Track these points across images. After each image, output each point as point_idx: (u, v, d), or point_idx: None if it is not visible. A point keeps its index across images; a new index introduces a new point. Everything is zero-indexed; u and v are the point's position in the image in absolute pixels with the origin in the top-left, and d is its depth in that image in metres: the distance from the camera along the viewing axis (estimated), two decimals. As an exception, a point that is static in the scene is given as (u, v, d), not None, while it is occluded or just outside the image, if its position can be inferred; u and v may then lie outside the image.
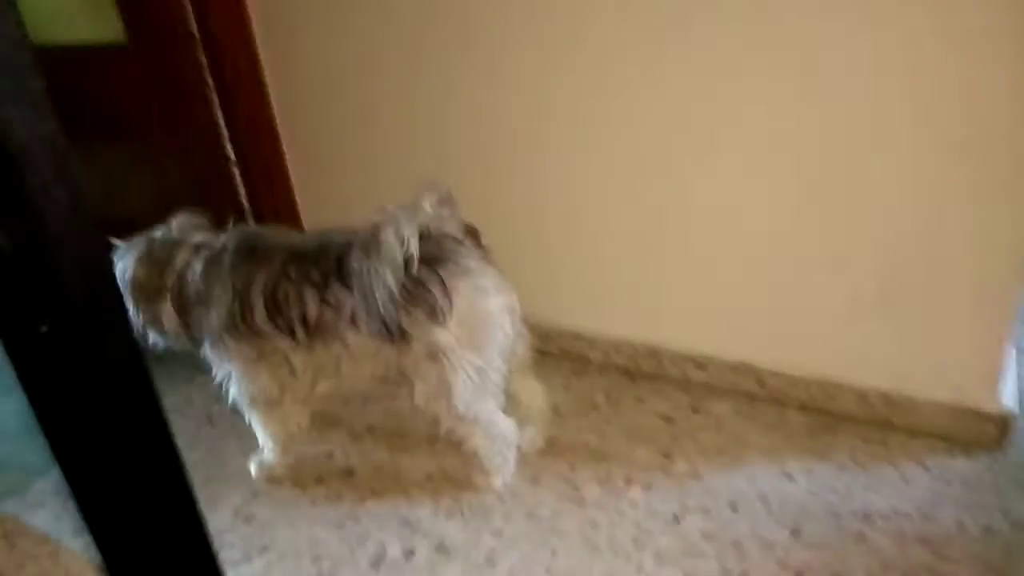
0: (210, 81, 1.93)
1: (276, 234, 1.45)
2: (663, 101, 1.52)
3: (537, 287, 1.57)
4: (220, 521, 1.51)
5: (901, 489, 1.41)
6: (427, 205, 1.31)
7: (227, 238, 1.44)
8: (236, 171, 2.04)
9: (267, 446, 1.59)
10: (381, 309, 1.27)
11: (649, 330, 1.78)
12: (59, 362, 0.42)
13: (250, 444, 1.61)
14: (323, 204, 2.10)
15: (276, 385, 1.49)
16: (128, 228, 2.28)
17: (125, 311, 0.45)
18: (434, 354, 1.33)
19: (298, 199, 2.11)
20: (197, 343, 1.47)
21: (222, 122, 1.98)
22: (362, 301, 1.29)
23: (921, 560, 1.27)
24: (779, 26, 1.35)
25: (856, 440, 1.54)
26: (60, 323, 0.40)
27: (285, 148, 2.05)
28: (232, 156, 2.02)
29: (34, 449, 1.77)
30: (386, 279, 1.25)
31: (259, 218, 2.08)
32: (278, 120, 2.02)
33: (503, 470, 1.50)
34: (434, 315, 1.29)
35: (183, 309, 1.44)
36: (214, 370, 1.51)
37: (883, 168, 1.38)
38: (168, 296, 1.44)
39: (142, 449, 0.46)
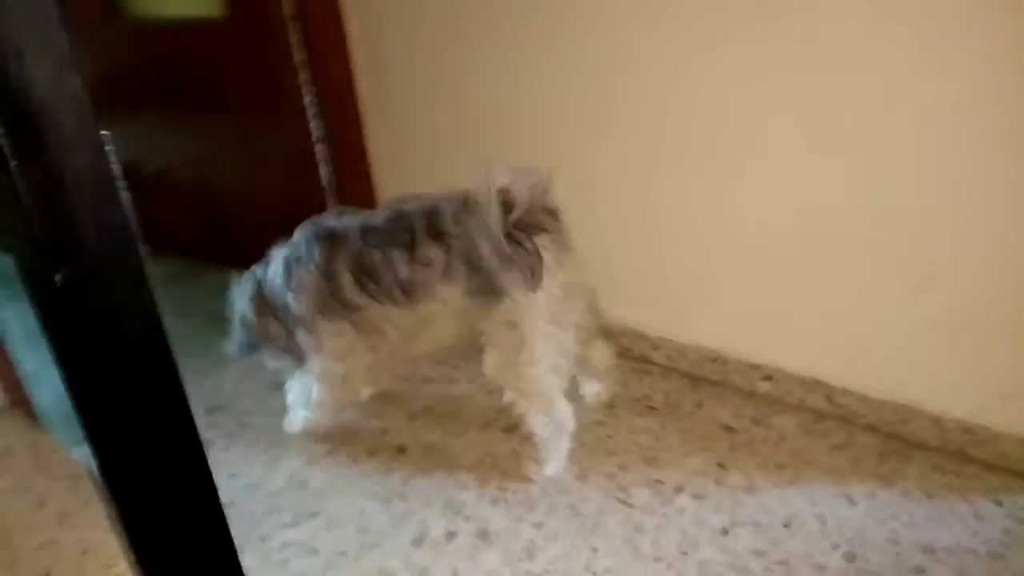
0: (302, 60, 1.99)
1: (346, 218, 1.50)
2: (743, 100, 1.47)
3: (603, 282, 1.55)
4: (275, 484, 1.56)
5: (971, 524, 1.33)
6: (528, 176, 1.36)
7: (303, 232, 1.51)
8: (321, 149, 2.10)
9: (322, 407, 1.64)
10: (485, 263, 1.32)
11: (716, 336, 1.73)
12: (74, 311, 0.44)
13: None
14: (400, 186, 2.13)
15: (369, 355, 1.54)
16: (218, 197, 2.39)
17: (140, 266, 0.46)
18: (515, 321, 1.37)
19: (376, 179, 2.15)
20: (292, 337, 1.55)
21: (310, 101, 2.04)
22: (461, 257, 1.35)
23: (986, 602, 1.19)
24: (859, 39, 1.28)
25: (927, 468, 1.45)
26: (75, 274, 0.42)
27: (367, 129, 2.09)
28: (318, 134, 2.08)
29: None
30: (492, 234, 1.31)
31: (339, 195, 2.14)
32: (363, 101, 2.06)
33: (554, 459, 1.50)
34: (529, 279, 1.34)
35: (272, 310, 1.53)
36: (308, 357, 1.57)
37: (975, 186, 1.29)
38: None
39: (153, 396, 0.48)
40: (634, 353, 1.86)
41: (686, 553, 1.32)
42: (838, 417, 1.60)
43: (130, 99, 2.42)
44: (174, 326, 2.09)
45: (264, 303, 1.55)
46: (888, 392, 1.52)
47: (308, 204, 2.15)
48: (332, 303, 1.46)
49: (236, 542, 1.44)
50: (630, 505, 1.43)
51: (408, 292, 1.41)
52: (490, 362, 1.43)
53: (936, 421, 1.48)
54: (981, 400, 1.42)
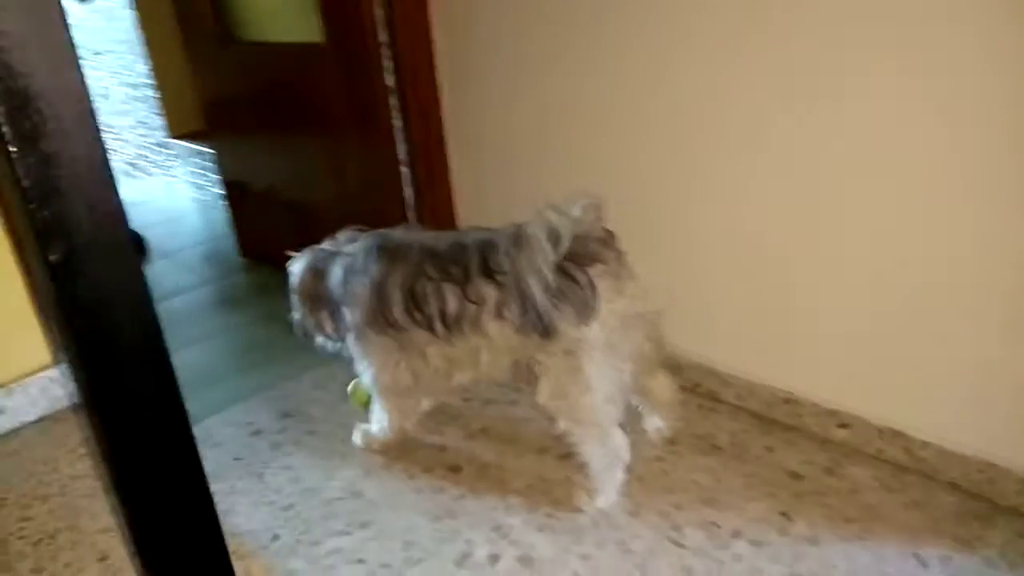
0: (392, 86, 2.06)
1: (411, 235, 1.53)
2: (845, 131, 1.41)
3: (673, 313, 1.51)
4: (332, 491, 1.59)
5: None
6: (575, 207, 1.34)
7: (365, 242, 1.54)
8: (406, 172, 2.16)
9: (382, 423, 1.67)
10: (536, 302, 1.30)
11: (791, 376, 1.65)
12: (67, 289, 0.47)
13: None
14: (479, 210, 2.17)
15: (410, 375, 1.55)
16: (310, 214, 2.50)
17: (130, 250, 0.49)
18: (572, 351, 1.35)
19: (456, 203, 2.20)
20: (342, 339, 1.60)
21: (398, 125, 2.11)
22: (514, 294, 1.33)
23: None
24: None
25: (1011, 535, 1.32)
26: (69, 254, 0.45)
27: (450, 155, 2.15)
28: (403, 156, 2.14)
29: (199, 397, 1.99)
30: (541, 272, 1.29)
31: (420, 216, 2.19)
32: (447, 128, 2.12)
33: (606, 491, 1.46)
34: (582, 313, 1.32)
35: (330, 309, 1.57)
36: (355, 361, 1.62)
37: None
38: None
39: (142, 374, 0.51)
40: (702, 389, 1.80)
41: (737, 601, 1.26)
42: (917, 472, 1.49)
43: (238, 119, 2.58)
44: (259, 332, 2.22)
45: (320, 298, 1.58)
46: (974, 448, 1.41)
47: (391, 223, 2.23)
48: (380, 318, 1.48)
49: (289, 543, 1.49)
50: (682, 546, 1.38)
51: (452, 326, 1.41)
52: (543, 391, 1.42)
53: (1017, 480, 1.35)
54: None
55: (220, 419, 1.89)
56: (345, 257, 1.56)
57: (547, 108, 1.86)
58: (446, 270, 1.40)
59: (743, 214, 1.59)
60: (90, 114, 0.45)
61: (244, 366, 2.16)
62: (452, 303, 1.40)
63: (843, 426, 1.59)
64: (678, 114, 1.62)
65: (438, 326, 1.42)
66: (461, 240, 1.44)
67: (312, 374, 2.01)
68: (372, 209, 2.27)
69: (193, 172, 3.69)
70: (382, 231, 1.56)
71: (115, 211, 0.48)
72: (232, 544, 1.43)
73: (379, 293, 1.47)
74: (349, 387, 1.87)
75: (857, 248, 1.46)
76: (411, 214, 2.20)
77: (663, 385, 1.58)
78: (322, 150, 2.35)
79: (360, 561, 1.42)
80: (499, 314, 1.38)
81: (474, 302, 1.38)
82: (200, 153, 3.52)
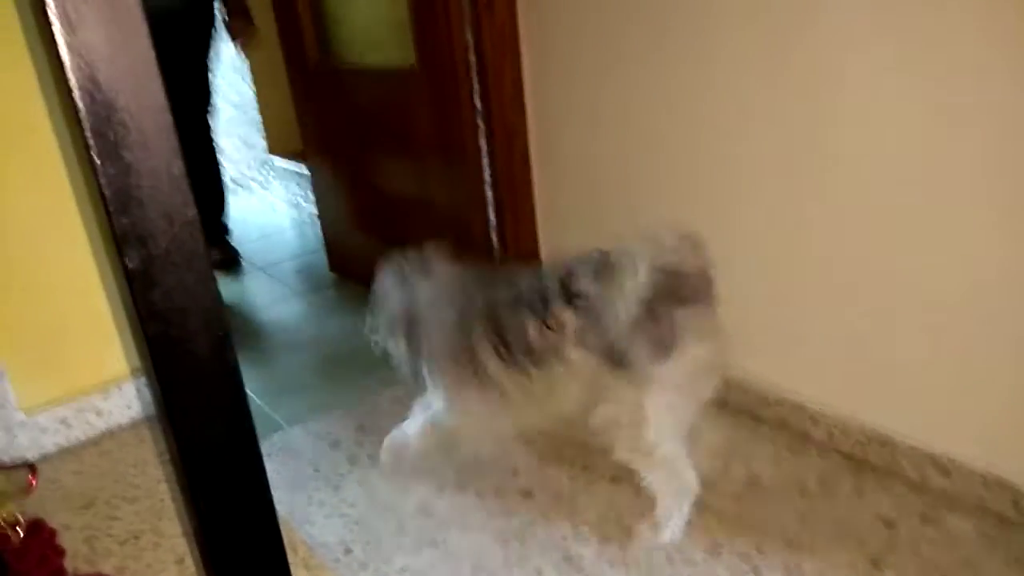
0: (480, 108, 2.09)
1: (496, 266, 1.54)
2: (953, 159, 1.33)
3: (761, 344, 1.46)
4: (405, 508, 1.60)
5: None
6: (667, 241, 1.31)
7: (449, 271, 1.55)
8: (491, 193, 2.18)
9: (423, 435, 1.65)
10: (611, 334, 1.29)
11: (887, 416, 1.56)
12: (143, 296, 0.48)
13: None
14: (562, 235, 2.16)
15: (486, 408, 1.52)
16: (397, 233, 2.55)
17: (206, 259, 0.50)
18: (638, 384, 1.33)
19: (540, 226, 2.19)
20: (418, 363, 1.60)
21: (484, 147, 2.13)
22: (594, 321, 1.31)
23: None
24: None
25: None
26: (146, 262, 0.46)
27: (535, 178, 2.15)
28: (489, 179, 2.16)
29: (283, 405, 2.04)
30: (619, 305, 1.27)
31: (503, 238, 2.20)
32: (532, 151, 2.12)
33: (671, 524, 1.41)
34: (658, 352, 1.29)
35: (409, 332, 1.58)
36: (429, 389, 1.61)
37: None
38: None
39: (212, 380, 0.51)
40: (791, 426, 1.72)
41: (817, 653, 1.18)
42: (1016, 520, 1.37)
43: (332, 140, 2.67)
44: (343, 346, 2.26)
45: (400, 319, 1.59)
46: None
47: (475, 244, 2.25)
48: (461, 352, 1.47)
49: (359, 558, 1.50)
50: (753, 589, 1.31)
51: (535, 358, 1.39)
52: (599, 414, 1.39)
53: None
54: None
55: (302, 429, 1.94)
56: (429, 283, 1.56)
57: (636, 134, 1.83)
58: (526, 300, 1.39)
59: (844, 239, 1.52)
60: (170, 127, 0.46)
61: (327, 378, 2.21)
62: (533, 335, 1.38)
63: (942, 472, 1.48)
64: (775, 140, 1.57)
65: (522, 359, 1.40)
66: (542, 272, 1.44)
67: (391, 390, 2.04)
68: (457, 230, 2.30)
69: (290, 191, 3.84)
70: (468, 267, 1.56)
71: (191, 222, 0.49)
72: (305, 555, 1.47)
73: (461, 327, 1.47)
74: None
75: (968, 276, 1.36)
76: (494, 235, 2.22)
77: (712, 426, 1.51)
78: (410, 171, 2.40)
79: (427, 581, 1.42)
80: (580, 342, 1.35)
81: (553, 329, 1.36)
82: (297, 173, 3.66)
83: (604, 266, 1.30)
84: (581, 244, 2.06)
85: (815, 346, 1.64)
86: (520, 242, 2.19)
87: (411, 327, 1.58)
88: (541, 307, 1.37)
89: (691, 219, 1.74)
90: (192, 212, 0.48)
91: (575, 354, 1.37)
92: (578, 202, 2.06)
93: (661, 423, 1.34)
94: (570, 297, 1.34)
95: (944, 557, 1.34)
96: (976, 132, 1.27)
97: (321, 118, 2.65)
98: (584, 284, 1.32)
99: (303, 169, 3.38)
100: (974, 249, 1.33)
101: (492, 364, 1.44)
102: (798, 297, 1.63)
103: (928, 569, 1.32)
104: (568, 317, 1.35)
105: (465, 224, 2.26)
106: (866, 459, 1.60)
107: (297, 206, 3.80)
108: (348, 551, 1.51)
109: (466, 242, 2.28)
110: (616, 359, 1.31)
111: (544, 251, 2.22)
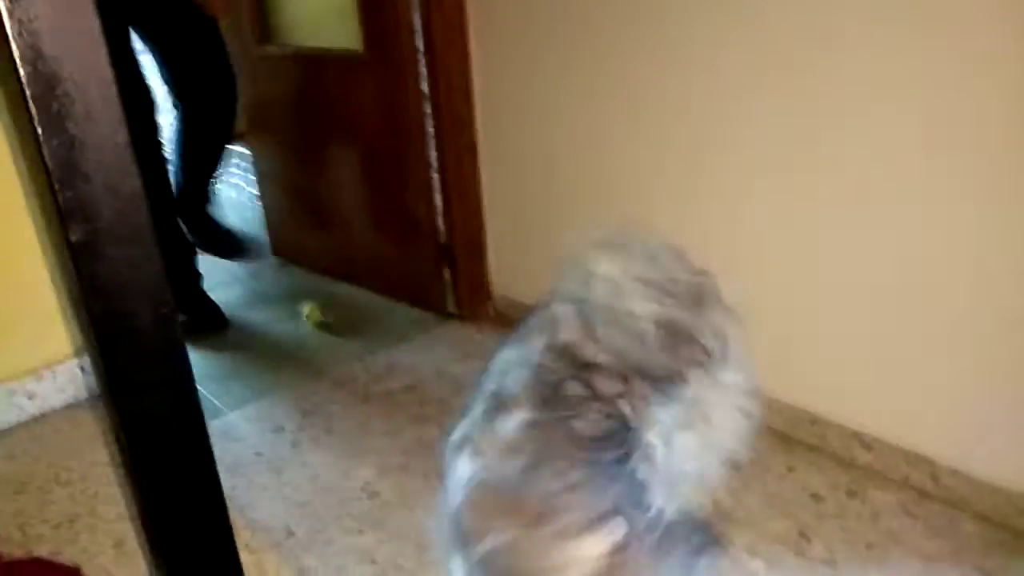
0: (427, 94, 2.08)
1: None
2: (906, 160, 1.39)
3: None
4: (348, 491, 1.60)
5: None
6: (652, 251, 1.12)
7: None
8: (437, 178, 2.18)
9: None
10: (644, 359, 1.06)
11: (815, 396, 1.63)
12: (87, 271, 0.48)
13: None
14: (508, 220, 2.18)
15: None
16: (341, 217, 2.53)
17: (150, 232, 0.50)
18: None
19: (486, 212, 2.21)
20: None
21: (431, 134, 2.13)
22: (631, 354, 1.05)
23: None
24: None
25: (1032, 564, 1.29)
26: (90, 235, 0.46)
27: (482, 164, 2.16)
28: (435, 166, 2.16)
29: (224, 391, 2.02)
30: (636, 320, 1.05)
31: (448, 228, 2.21)
32: (480, 138, 2.13)
33: None
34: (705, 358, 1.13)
35: None
36: None
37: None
38: None
39: (156, 354, 0.52)
40: (725, 406, 1.78)
41: (748, 621, 1.24)
42: (943, 499, 1.45)
43: (275, 122, 2.63)
44: (284, 330, 2.22)
45: None
46: (1002, 478, 1.37)
47: (421, 229, 2.25)
48: None
49: (303, 540, 1.50)
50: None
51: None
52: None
53: (1055, 516, 1.32)
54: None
55: (243, 414, 1.92)
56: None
57: (587, 124, 1.86)
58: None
59: (778, 236, 1.58)
60: (116, 98, 0.46)
61: (269, 363, 2.19)
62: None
63: (867, 449, 1.56)
64: (743, 145, 1.61)
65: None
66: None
67: (333, 374, 2.03)
68: (401, 217, 2.30)
69: (232, 172, 3.76)
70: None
71: (136, 195, 0.49)
72: (247, 538, 1.46)
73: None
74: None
75: (891, 260, 1.43)
76: (440, 222, 2.22)
77: None
78: (355, 157, 2.38)
79: (373, 562, 1.43)
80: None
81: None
82: (240, 154, 3.58)
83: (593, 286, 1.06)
84: (528, 231, 2.11)
85: (748, 331, 1.69)
86: (466, 230, 2.20)
87: None
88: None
89: (643, 212, 1.79)
90: (137, 184, 0.48)
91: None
92: (526, 191, 2.08)
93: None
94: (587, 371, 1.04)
95: (868, 529, 1.41)
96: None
97: (264, 102, 2.60)
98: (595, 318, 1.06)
99: (246, 151, 3.31)
100: (898, 233, 1.40)
101: None
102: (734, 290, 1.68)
103: (853, 539, 1.39)
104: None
105: (410, 211, 2.26)
106: (797, 437, 1.67)
107: (239, 188, 3.72)
108: (291, 534, 1.51)
109: (411, 229, 2.28)
110: (671, 379, 1.09)
111: (491, 239, 2.23)
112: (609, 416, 1.02)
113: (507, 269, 2.25)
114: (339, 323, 2.32)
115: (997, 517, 1.39)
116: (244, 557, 1.40)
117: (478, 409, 1.06)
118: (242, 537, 1.46)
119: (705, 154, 1.65)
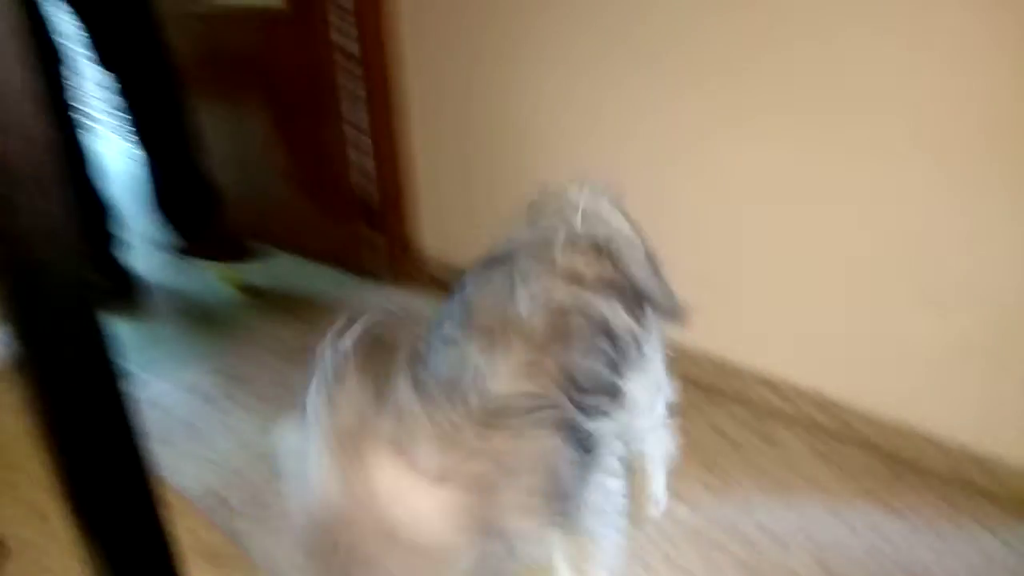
0: (352, 52, 2.05)
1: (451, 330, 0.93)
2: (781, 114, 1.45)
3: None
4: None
5: (965, 554, 1.28)
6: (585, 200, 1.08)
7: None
8: (364, 140, 2.15)
9: None
10: (649, 290, 1.04)
11: (725, 344, 1.71)
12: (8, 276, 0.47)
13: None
14: (440, 182, 2.17)
15: None
16: (262, 181, 2.47)
17: (73, 240, 0.49)
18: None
19: (418, 174, 2.20)
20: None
21: (357, 93, 2.09)
22: (628, 296, 1.00)
23: (972, 639, 1.15)
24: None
25: (930, 496, 1.40)
26: (9, 243, 0.45)
27: (409, 123, 2.14)
28: (362, 126, 2.13)
29: (146, 360, 1.98)
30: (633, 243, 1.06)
31: (379, 189, 2.18)
32: (408, 96, 2.11)
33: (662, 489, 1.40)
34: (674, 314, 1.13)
35: None
36: None
37: (1006, 214, 1.25)
38: None
39: (72, 311, 0.51)
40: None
41: (667, 556, 1.31)
42: (847, 438, 1.56)
43: (191, 82, 2.53)
44: (206, 297, 2.17)
45: None
46: (897, 416, 1.48)
47: (346, 191, 2.22)
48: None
49: (235, 506, 1.50)
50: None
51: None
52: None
53: (947, 451, 1.43)
54: (991, 430, 1.37)
55: (166, 382, 1.89)
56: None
57: (514, 78, 1.86)
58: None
59: (715, 197, 1.63)
60: (20, 37, 0.44)
61: (192, 331, 2.15)
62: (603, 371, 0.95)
63: (776, 393, 1.65)
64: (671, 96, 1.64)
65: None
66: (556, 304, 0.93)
67: (260, 340, 2.02)
68: (328, 178, 2.27)
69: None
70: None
71: (49, 143, 0.47)
72: (177, 506, 1.45)
73: None
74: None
75: (795, 223, 1.51)
76: (369, 184, 2.20)
77: None
78: (276, 115, 2.33)
79: (306, 522, 1.44)
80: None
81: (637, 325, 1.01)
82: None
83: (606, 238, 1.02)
84: (458, 190, 2.11)
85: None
86: (393, 191, 2.19)
87: None
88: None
89: (576, 167, 1.80)
90: (50, 132, 0.47)
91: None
92: (455, 149, 2.08)
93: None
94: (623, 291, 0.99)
95: (777, 468, 1.51)
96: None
97: (180, 60, 2.49)
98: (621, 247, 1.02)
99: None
100: (801, 184, 1.47)
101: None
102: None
103: (764, 478, 1.48)
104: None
105: (335, 172, 2.23)
106: (709, 383, 1.75)
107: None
108: (223, 501, 1.51)
109: (336, 191, 2.25)
110: (679, 313, 1.10)
111: (419, 199, 2.23)
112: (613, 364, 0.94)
113: (436, 230, 2.25)
114: (265, 288, 2.30)
115: (892, 451, 1.50)
116: (175, 524, 1.40)
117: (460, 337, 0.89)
118: (172, 506, 1.45)
119: (638, 105, 1.66)
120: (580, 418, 0.87)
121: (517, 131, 1.91)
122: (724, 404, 1.70)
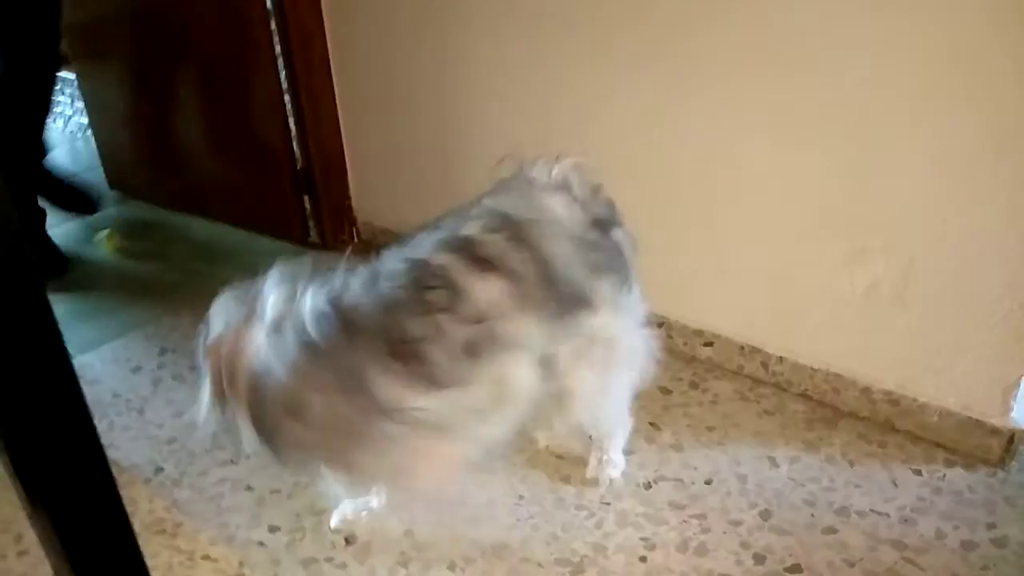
0: (271, 9, 1.99)
1: (344, 271, 1.11)
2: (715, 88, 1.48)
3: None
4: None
5: (887, 491, 1.36)
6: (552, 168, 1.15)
7: (305, 304, 1.08)
8: (289, 100, 2.10)
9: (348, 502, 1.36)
10: (562, 271, 1.08)
11: (662, 302, 1.74)
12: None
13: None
14: (367, 140, 2.15)
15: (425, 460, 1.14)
16: (183, 142, 2.38)
17: (16, 238, 0.48)
18: (603, 336, 1.20)
19: (344, 132, 2.16)
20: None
21: (279, 51, 2.04)
22: (533, 275, 1.06)
23: (888, 562, 1.23)
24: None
25: (852, 436, 1.49)
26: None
27: (336, 81, 2.10)
28: (286, 86, 2.08)
29: (74, 333, 1.91)
30: (569, 233, 1.11)
31: (304, 151, 2.14)
32: (332, 55, 2.06)
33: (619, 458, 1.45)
34: (622, 282, 1.17)
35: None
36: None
37: (915, 164, 1.31)
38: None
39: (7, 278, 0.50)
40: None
41: (608, 503, 1.36)
42: (772, 384, 1.63)
43: (103, 43, 2.42)
44: (133, 267, 2.11)
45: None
46: (821, 362, 1.55)
47: (275, 155, 2.17)
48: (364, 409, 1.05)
49: (173, 475, 1.48)
50: (559, 456, 1.47)
51: (473, 352, 1.04)
52: (580, 402, 1.24)
53: (865, 391, 1.51)
54: (911, 373, 1.45)
55: (97, 356, 1.84)
56: (295, 319, 1.08)
57: (448, 35, 1.83)
58: (424, 301, 1.03)
59: (642, 146, 1.65)
60: None
61: (120, 302, 2.08)
62: (456, 329, 1.03)
63: (707, 344, 1.71)
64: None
65: (456, 364, 1.04)
66: (415, 257, 1.07)
67: (191, 309, 1.96)
68: (252, 141, 2.21)
69: (56, 102, 3.43)
70: (316, 283, 1.11)
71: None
72: (117, 479, 1.42)
73: (351, 373, 1.04)
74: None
75: (711, 174, 1.55)
76: (295, 145, 2.16)
77: None
78: (197, 76, 2.25)
79: (248, 488, 1.44)
80: (520, 308, 1.06)
81: (478, 320, 1.04)
82: (65, 80, 3.27)
83: (523, 206, 1.08)
84: (391, 153, 2.08)
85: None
86: (324, 154, 2.15)
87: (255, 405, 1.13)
88: (449, 295, 1.02)
89: (511, 129, 1.80)
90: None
91: (519, 327, 1.07)
92: (387, 110, 2.05)
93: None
94: (486, 263, 1.04)
95: (709, 414, 1.57)
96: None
97: (90, 21, 2.38)
98: (498, 239, 1.05)
99: (71, 77, 3.03)
100: (728, 140, 1.51)
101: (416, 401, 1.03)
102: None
103: (696, 425, 1.54)
104: (493, 287, 1.04)
105: (261, 136, 2.18)
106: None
107: (67, 118, 3.41)
108: (159, 469, 1.49)
109: (264, 156, 2.20)
110: (574, 307, 1.12)
111: (351, 163, 2.20)
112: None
113: (370, 194, 2.23)
114: (192, 255, 2.24)
115: (817, 396, 1.58)
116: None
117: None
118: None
119: (571, 71, 1.66)
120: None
121: (452, 89, 1.89)
122: (661, 358, 1.75)
